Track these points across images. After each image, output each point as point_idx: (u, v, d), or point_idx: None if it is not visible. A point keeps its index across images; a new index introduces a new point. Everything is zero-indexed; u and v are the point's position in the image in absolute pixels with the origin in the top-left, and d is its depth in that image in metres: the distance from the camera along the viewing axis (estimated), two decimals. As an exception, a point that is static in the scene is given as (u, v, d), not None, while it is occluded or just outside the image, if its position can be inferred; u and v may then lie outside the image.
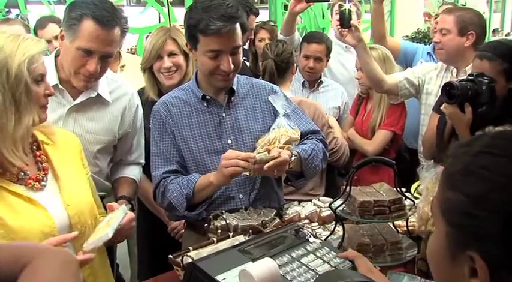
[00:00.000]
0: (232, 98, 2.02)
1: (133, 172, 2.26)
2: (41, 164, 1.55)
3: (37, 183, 1.51)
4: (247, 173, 1.82)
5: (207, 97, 2.00)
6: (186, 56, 2.44)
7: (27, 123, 1.44)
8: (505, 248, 0.74)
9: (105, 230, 1.47)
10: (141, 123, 2.27)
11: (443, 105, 2.25)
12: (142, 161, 2.32)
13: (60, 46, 1.98)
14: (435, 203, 0.86)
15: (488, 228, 0.75)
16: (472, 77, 2.17)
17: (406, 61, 3.40)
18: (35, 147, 1.57)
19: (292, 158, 1.88)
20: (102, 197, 2.01)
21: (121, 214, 1.55)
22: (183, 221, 2.33)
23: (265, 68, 2.78)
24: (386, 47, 3.14)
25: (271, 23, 4.29)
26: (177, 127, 1.98)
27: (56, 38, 2.92)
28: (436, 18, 3.43)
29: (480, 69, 2.20)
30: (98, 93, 2.05)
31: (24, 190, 1.47)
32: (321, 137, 2.13)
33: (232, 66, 1.89)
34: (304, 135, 2.05)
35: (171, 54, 2.42)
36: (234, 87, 2.02)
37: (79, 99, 2.03)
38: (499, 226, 0.74)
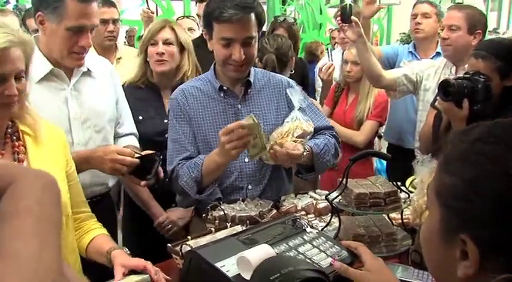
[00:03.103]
0: (249, 90, 2.06)
1: (132, 140, 2.29)
2: (18, 154, 1.55)
3: None
4: (265, 159, 1.91)
5: (224, 88, 2.04)
6: (183, 49, 2.45)
7: None
8: (495, 233, 0.77)
9: None
10: (123, 93, 2.31)
11: (438, 101, 2.29)
12: (135, 131, 2.33)
13: (42, 31, 1.97)
14: (431, 188, 0.88)
15: (481, 213, 0.77)
16: (468, 75, 2.20)
17: (390, 64, 3.46)
18: (14, 138, 1.56)
19: (304, 153, 1.91)
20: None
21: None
22: (168, 216, 2.37)
23: (267, 62, 2.80)
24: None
25: (291, 19, 4.13)
26: (193, 115, 2.03)
27: None
28: (415, 18, 3.44)
29: (475, 68, 2.23)
30: (88, 68, 2.09)
31: None
32: (334, 133, 2.17)
33: (243, 56, 1.91)
34: (317, 131, 2.09)
35: (165, 41, 2.43)
36: (251, 79, 2.05)
37: (74, 78, 2.06)
38: (491, 211, 0.77)
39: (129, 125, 2.32)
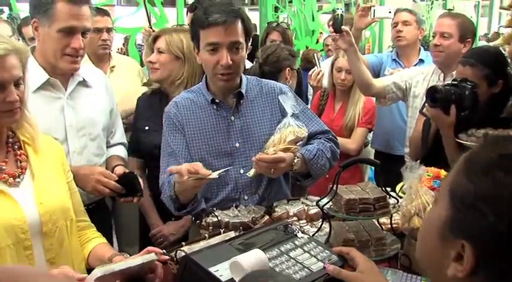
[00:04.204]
0: (241, 101, 2.05)
1: (119, 151, 2.36)
2: (20, 162, 1.60)
3: (11, 178, 1.55)
4: (248, 174, 1.89)
5: (216, 101, 2.02)
6: (177, 57, 2.47)
7: None
8: (496, 250, 0.78)
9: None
10: (116, 103, 2.38)
11: (426, 107, 2.34)
12: (125, 140, 2.43)
13: (37, 37, 2.03)
14: (447, 182, 0.87)
15: (491, 229, 0.77)
16: (455, 82, 2.26)
17: (375, 73, 3.53)
18: (16, 147, 1.61)
19: (295, 160, 1.91)
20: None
21: (146, 258, 1.48)
22: (161, 229, 2.45)
23: (249, 73, 2.70)
24: None
25: (284, 25, 4.21)
26: (187, 127, 2.02)
27: None
28: (395, 26, 3.51)
29: (463, 75, 2.28)
30: (83, 78, 2.14)
31: None
32: (330, 137, 2.15)
33: (230, 61, 1.90)
34: (313, 136, 2.08)
35: (158, 50, 2.49)
36: (243, 90, 2.04)
37: (70, 87, 2.11)
38: (500, 229, 0.77)
39: (119, 134, 2.40)
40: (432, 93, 2.26)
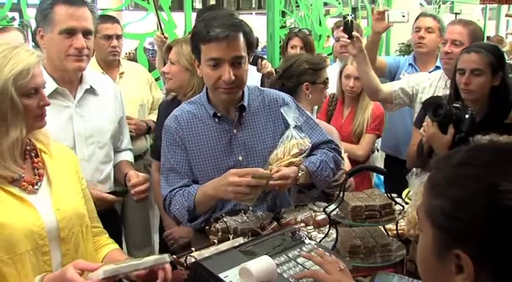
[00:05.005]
0: (244, 114, 2.01)
1: (128, 156, 2.44)
2: (37, 170, 1.63)
3: (30, 186, 1.58)
4: (247, 202, 1.88)
5: (218, 115, 1.99)
6: (186, 68, 2.51)
7: (14, 136, 1.51)
8: (486, 246, 0.84)
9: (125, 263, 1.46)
10: (125, 111, 2.45)
11: (425, 124, 2.37)
12: (131, 146, 2.50)
13: (43, 46, 2.09)
14: (421, 209, 0.95)
15: (472, 229, 0.85)
16: (457, 105, 2.30)
17: (391, 75, 3.54)
18: (33, 154, 1.65)
19: (300, 174, 1.91)
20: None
21: (158, 259, 1.49)
22: (173, 232, 2.55)
23: (268, 85, 2.69)
24: (375, 69, 3.27)
25: (306, 31, 4.17)
26: (188, 142, 1.99)
27: None
28: (418, 31, 3.45)
29: (469, 62, 2.33)
30: (90, 86, 2.19)
31: (18, 191, 1.55)
32: (333, 146, 2.13)
33: (233, 77, 1.85)
34: (316, 146, 2.08)
35: (170, 61, 2.56)
36: (245, 103, 2.00)
37: (78, 96, 2.16)
38: (480, 227, 0.84)
39: (127, 140, 2.47)
40: (436, 108, 2.30)
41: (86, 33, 2.08)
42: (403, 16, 3.00)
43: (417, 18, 3.54)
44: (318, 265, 1.45)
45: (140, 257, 1.53)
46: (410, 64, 3.57)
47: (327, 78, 2.67)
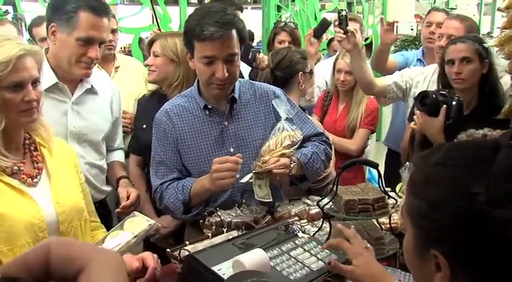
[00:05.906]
0: (234, 106, 2.03)
1: (120, 156, 2.45)
2: (37, 163, 1.64)
3: (30, 179, 1.59)
4: (242, 180, 1.92)
5: (209, 107, 2.01)
6: (172, 60, 2.49)
7: None
8: (461, 248, 0.85)
9: (125, 235, 1.52)
10: (121, 110, 2.46)
11: (415, 117, 2.39)
12: (123, 146, 2.52)
13: (52, 42, 2.07)
14: (404, 207, 0.97)
15: (446, 231, 0.86)
16: (444, 92, 2.33)
17: None
18: (32, 148, 1.66)
19: (292, 165, 1.94)
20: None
21: (146, 226, 1.55)
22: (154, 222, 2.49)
23: (260, 79, 2.70)
24: (387, 70, 3.30)
25: (293, 25, 4.13)
26: (179, 136, 2.01)
27: None
28: (429, 26, 3.42)
29: (457, 52, 2.38)
30: (91, 85, 2.19)
31: (17, 183, 1.56)
32: (324, 139, 2.17)
33: (226, 74, 1.88)
34: (307, 138, 2.10)
35: (154, 54, 2.54)
36: (236, 95, 2.02)
37: (77, 93, 2.16)
38: (454, 229, 0.85)
39: (119, 140, 2.48)
40: (422, 98, 2.33)
41: (101, 43, 2.09)
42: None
43: (428, 13, 3.53)
44: (348, 237, 1.49)
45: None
46: (418, 59, 3.55)
47: (312, 69, 2.80)
